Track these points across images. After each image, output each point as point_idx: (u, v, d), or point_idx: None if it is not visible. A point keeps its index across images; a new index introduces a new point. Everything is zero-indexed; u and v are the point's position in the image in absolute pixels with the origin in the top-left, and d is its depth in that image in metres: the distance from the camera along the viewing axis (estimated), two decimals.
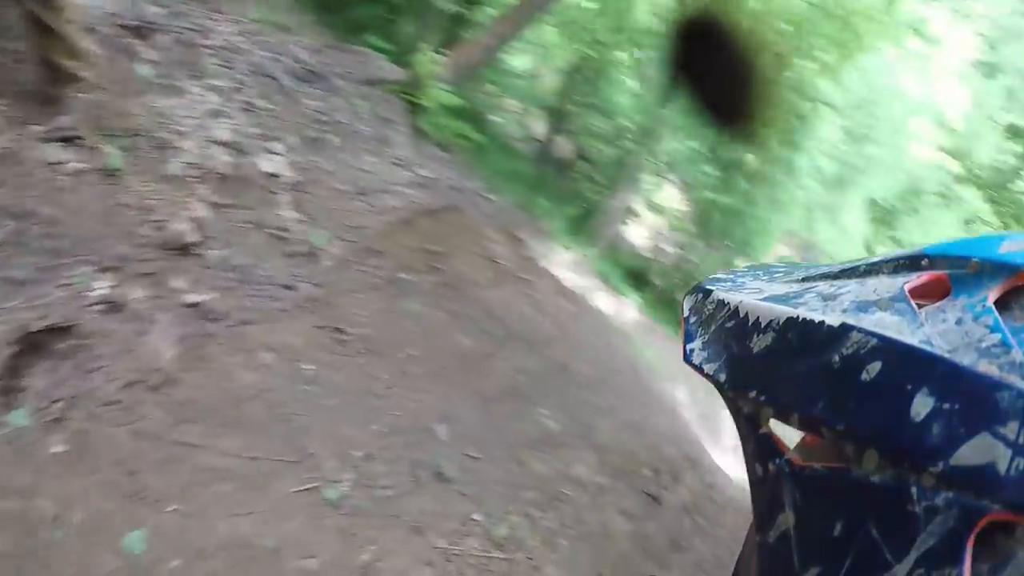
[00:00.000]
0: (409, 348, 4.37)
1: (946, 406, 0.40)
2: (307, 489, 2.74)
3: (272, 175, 4.30)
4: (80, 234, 2.86)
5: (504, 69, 16.14)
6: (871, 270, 0.58)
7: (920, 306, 0.48)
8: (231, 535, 2.40)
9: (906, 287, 0.50)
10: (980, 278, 0.47)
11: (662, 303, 19.62)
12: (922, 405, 0.41)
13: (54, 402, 2.33)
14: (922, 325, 0.45)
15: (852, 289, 0.55)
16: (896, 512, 0.41)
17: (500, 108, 17.66)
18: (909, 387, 0.42)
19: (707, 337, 0.67)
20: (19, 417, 2.20)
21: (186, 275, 3.12)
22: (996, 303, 0.45)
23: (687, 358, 0.68)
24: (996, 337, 0.42)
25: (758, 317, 0.59)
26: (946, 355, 0.42)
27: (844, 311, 0.52)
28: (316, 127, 5.12)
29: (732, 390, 0.60)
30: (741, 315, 0.62)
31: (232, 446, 2.73)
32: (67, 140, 2.98)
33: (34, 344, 2.39)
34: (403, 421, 3.77)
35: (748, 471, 0.58)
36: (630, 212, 22.18)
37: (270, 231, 3.96)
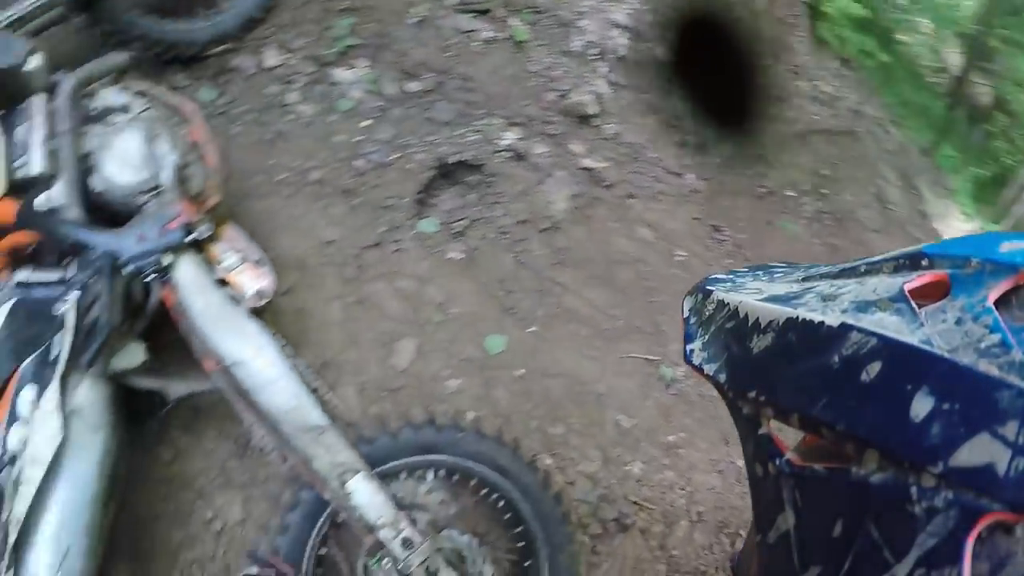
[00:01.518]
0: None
1: (946, 406, 0.40)
2: (648, 360, 2.90)
3: (668, 63, 4.17)
4: (491, 92, 3.22)
5: None
6: (871, 270, 0.57)
7: (920, 306, 0.48)
8: (572, 369, 2.70)
9: (906, 287, 0.50)
10: (980, 278, 0.46)
11: None
12: (922, 405, 0.41)
13: (458, 220, 2.79)
14: (922, 325, 0.45)
15: (852, 289, 0.55)
16: (896, 512, 0.41)
17: (910, 28, 14.14)
18: (909, 387, 0.42)
19: (707, 338, 0.67)
20: (428, 225, 2.62)
21: (583, 142, 3.34)
22: (996, 303, 0.44)
23: (687, 359, 0.69)
24: (996, 337, 0.41)
25: (758, 317, 0.59)
26: (946, 355, 0.42)
27: (844, 311, 0.51)
28: None
29: (732, 391, 0.60)
30: (741, 315, 0.62)
31: (596, 298, 2.97)
32: (477, 12, 3.34)
33: (447, 173, 2.83)
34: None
35: (748, 471, 0.58)
36: None
37: (664, 118, 3.94)
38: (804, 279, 0.63)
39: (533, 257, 2.87)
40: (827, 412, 0.47)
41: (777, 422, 0.54)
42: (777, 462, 0.52)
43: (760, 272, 0.74)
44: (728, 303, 0.66)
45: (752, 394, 0.56)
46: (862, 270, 0.58)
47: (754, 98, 4.63)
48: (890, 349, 0.45)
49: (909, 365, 0.43)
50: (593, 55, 3.63)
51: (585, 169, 3.25)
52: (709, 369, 0.64)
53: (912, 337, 0.44)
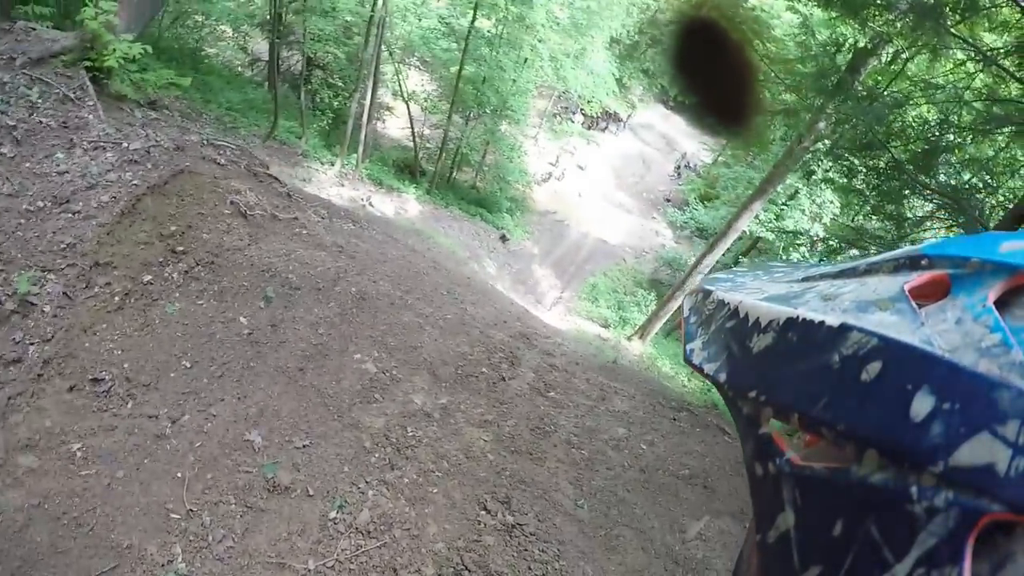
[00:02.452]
0: (183, 360, 3.82)
1: (946, 406, 0.39)
2: None
3: None
4: None
5: None
6: (871, 270, 0.56)
7: (920, 306, 0.47)
8: None
9: (906, 287, 0.49)
10: (980, 278, 0.45)
11: (439, 187, 19.65)
12: (922, 405, 0.40)
13: None
14: (922, 325, 0.44)
15: (852, 289, 0.54)
16: (896, 512, 0.39)
17: (214, 38, 16.10)
18: (909, 387, 0.41)
19: (707, 337, 0.66)
20: None
21: None
22: (996, 303, 0.43)
23: (687, 358, 0.67)
24: (996, 337, 0.40)
25: (758, 317, 0.58)
26: (946, 355, 0.41)
27: (844, 311, 0.50)
28: None
29: (732, 390, 0.59)
30: (741, 315, 0.62)
31: None
32: None
33: None
34: (210, 449, 3.34)
35: (747, 471, 0.55)
36: (381, 107, 21.46)
37: None
38: (804, 279, 0.63)
39: None
40: (827, 412, 0.46)
41: (777, 422, 0.53)
42: (777, 462, 0.50)
43: (760, 272, 0.73)
44: (728, 303, 0.65)
45: (752, 394, 0.55)
46: (862, 270, 0.58)
47: None
48: (890, 349, 0.44)
49: (909, 365, 0.42)
50: None
51: None
52: (709, 369, 0.62)
53: (912, 337, 0.44)
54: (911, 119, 9.19)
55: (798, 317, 0.52)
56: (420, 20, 20.52)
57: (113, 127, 5.35)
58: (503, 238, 22.20)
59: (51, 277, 3.71)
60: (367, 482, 3.47)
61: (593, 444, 5.19)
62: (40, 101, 4.97)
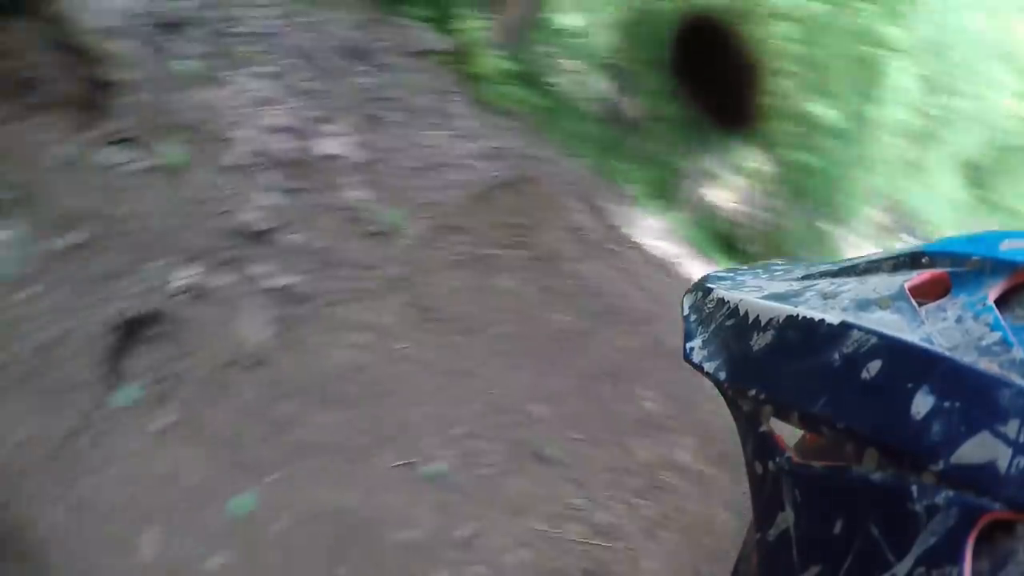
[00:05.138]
0: (501, 326, 4.27)
1: (946, 404, 0.39)
2: (406, 464, 2.76)
3: (336, 157, 4.20)
4: (154, 229, 2.99)
5: (556, 29, 15.59)
6: (871, 268, 0.57)
7: (920, 304, 0.47)
8: (333, 504, 2.60)
9: (906, 285, 0.49)
10: (981, 276, 0.46)
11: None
12: (922, 403, 0.40)
13: (156, 383, 2.48)
14: (922, 323, 0.45)
15: (852, 287, 0.55)
16: (896, 511, 0.40)
17: (558, 70, 17.18)
18: (909, 385, 0.42)
19: (707, 335, 0.66)
20: (124, 397, 2.36)
21: (266, 261, 3.20)
22: (997, 301, 0.44)
23: (687, 356, 0.68)
24: (997, 335, 0.41)
25: (758, 315, 0.58)
26: (947, 353, 0.41)
27: (844, 309, 0.51)
28: (372, 105, 4.96)
29: (732, 388, 0.60)
30: (741, 313, 0.62)
31: (329, 422, 2.80)
32: (122, 142, 3.06)
33: (128, 333, 2.55)
34: (500, 400, 3.71)
35: (748, 470, 0.57)
36: (711, 174, 21.29)
37: (343, 213, 3.91)
38: (804, 277, 0.64)
39: (249, 401, 2.60)
40: (827, 410, 0.46)
41: (777, 420, 0.54)
42: (777, 460, 0.51)
43: (760, 270, 0.74)
44: (728, 301, 0.66)
45: (752, 392, 0.55)
46: (862, 268, 0.59)
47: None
48: (890, 347, 0.44)
49: (909, 363, 0.43)
50: (256, 165, 3.35)
51: (276, 289, 3.00)
52: (709, 367, 0.63)
53: (913, 335, 0.44)
54: None
55: (798, 315, 0.53)
56: None
57: (476, 124, 6.06)
58: None
59: (414, 220, 4.36)
60: (614, 495, 3.65)
61: None
62: (418, 86, 5.70)
